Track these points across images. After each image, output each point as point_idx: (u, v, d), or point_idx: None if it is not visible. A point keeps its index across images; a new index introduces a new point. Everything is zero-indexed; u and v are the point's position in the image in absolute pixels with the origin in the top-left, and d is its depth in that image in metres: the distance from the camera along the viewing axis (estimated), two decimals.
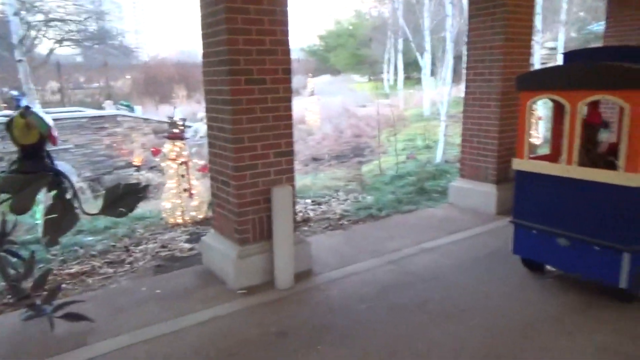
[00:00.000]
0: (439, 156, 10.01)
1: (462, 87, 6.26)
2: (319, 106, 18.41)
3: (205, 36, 3.99)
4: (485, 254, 4.54)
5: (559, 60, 20.71)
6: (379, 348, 3.06)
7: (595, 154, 3.76)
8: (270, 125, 3.96)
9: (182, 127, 6.27)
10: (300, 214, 5.98)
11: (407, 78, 30.02)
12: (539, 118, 12.64)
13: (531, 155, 3.95)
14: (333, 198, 6.94)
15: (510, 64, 5.57)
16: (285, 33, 3.93)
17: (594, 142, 3.83)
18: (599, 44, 14.13)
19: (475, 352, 2.98)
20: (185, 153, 6.17)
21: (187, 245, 5.09)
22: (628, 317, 3.32)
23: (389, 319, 3.42)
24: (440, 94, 15.47)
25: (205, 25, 3.95)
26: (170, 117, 6.31)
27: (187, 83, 26.45)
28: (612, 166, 3.44)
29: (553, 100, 3.82)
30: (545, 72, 4.17)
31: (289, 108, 4.06)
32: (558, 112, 3.97)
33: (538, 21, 15.42)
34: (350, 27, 37.84)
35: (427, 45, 17.79)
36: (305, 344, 3.14)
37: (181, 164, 6.11)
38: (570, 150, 3.53)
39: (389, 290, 3.85)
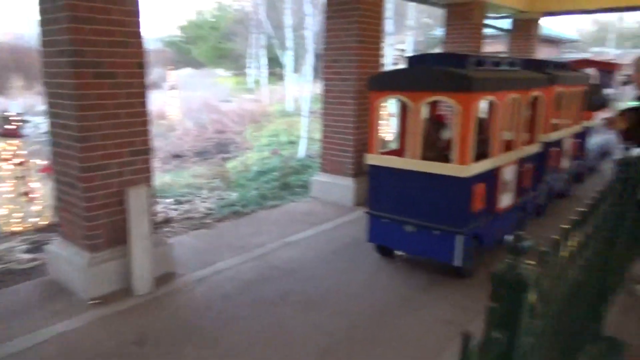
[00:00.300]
0: (302, 151, 10.31)
1: None
2: (181, 100, 17.68)
3: (43, 22, 3.58)
4: (344, 244, 4.82)
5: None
6: (243, 344, 3.08)
7: (436, 149, 4.20)
8: (124, 122, 3.70)
9: (19, 123, 5.55)
10: (161, 215, 5.71)
11: (271, 74, 30.28)
12: (391, 115, 13.73)
13: (382, 150, 4.29)
14: (196, 196, 6.75)
15: (364, 64, 5.95)
16: (137, 24, 3.70)
17: (436, 138, 4.27)
18: (440, 48, 15.78)
19: (335, 337, 3.16)
20: (22, 152, 5.48)
21: (28, 256, 4.54)
22: (461, 292, 3.80)
23: (253, 313, 3.45)
24: (302, 91, 15.89)
25: (43, 11, 3.55)
26: (4, 111, 5.55)
27: (26, 72, 23.37)
28: (448, 160, 3.89)
29: (399, 100, 4.19)
30: (391, 74, 4.53)
31: (145, 104, 3.85)
32: (404, 110, 4.35)
33: (389, 25, 16.70)
34: (213, 19, 36.87)
35: (290, 43, 18.13)
36: (167, 349, 3.03)
37: (18, 164, 5.41)
38: (414, 145, 3.91)
39: (252, 286, 3.89)
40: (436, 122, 4.39)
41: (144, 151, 3.88)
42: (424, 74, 3.87)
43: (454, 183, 3.72)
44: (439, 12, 9.37)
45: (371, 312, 3.50)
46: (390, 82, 4.10)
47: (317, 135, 9.19)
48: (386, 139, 9.49)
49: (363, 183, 6.12)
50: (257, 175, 7.92)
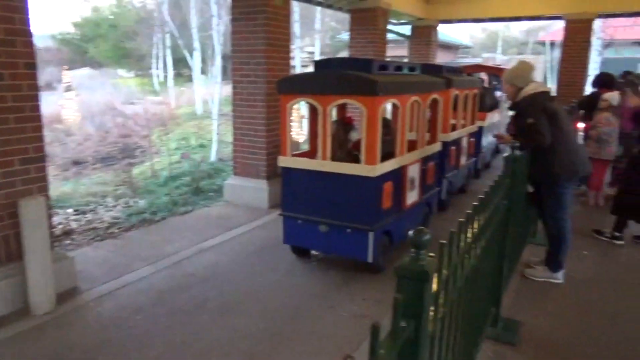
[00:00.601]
0: (213, 155, 10.11)
1: None
2: (79, 103, 16.52)
3: None
4: (260, 247, 4.81)
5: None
6: (157, 357, 2.97)
7: (345, 150, 4.36)
8: (12, 128, 3.40)
9: None
10: (61, 227, 5.31)
11: (178, 75, 29.24)
12: (302, 117, 13.91)
13: (294, 152, 4.34)
14: (100, 205, 6.36)
15: (273, 67, 5.98)
16: (25, 21, 3.42)
17: (345, 139, 4.43)
18: (346, 52, 16.24)
19: (256, 339, 3.15)
20: None
21: None
22: (373, 287, 3.96)
23: (168, 324, 3.34)
24: (211, 93, 15.57)
25: None
26: None
27: None
28: (357, 160, 4.03)
29: (308, 103, 4.27)
30: (300, 77, 4.57)
31: (36, 107, 3.56)
32: (313, 113, 4.41)
33: (297, 28, 16.90)
34: (112, 17, 34.78)
35: (196, 44, 17.66)
36: None
37: None
38: (324, 147, 4.00)
39: (167, 296, 3.76)
40: (345, 124, 4.54)
41: (38, 158, 3.60)
42: (332, 78, 3.96)
43: (364, 182, 3.86)
44: (345, 17, 9.66)
45: (289, 311, 3.54)
46: (300, 86, 4.15)
47: (229, 138, 9.07)
48: (300, 140, 9.59)
49: (277, 185, 6.16)
50: (167, 180, 7.64)
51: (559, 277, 3.98)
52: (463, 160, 6.55)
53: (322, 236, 4.10)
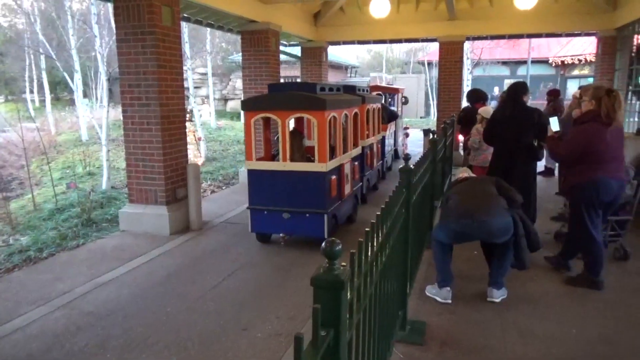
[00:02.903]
0: (104, 183, 9.49)
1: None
2: None
3: None
4: (165, 276, 4.62)
5: (211, 85, 22.69)
6: None
7: (300, 153, 5.44)
8: None
9: None
10: None
11: (56, 99, 27.06)
12: (199, 139, 13.61)
13: (256, 158, 5.29)
14: None
15: (166, 89, 5.82)
16: None
17: (299, 145, 5.51)
18: (239, 72, 16.25)
19: None
20: None
21: None
22: (284, 304, 3.98)
23: None
24: (98, 117, 14.65)
25: None
26: None
27: None
28: (311, 160, 5.16)
29: (265, 118, 5.17)
30: (261, 98, 5.35)
31: None
32: (266, 126, 5.63)
33: (187, 49, 16.56)
34: None
35: (77, 65, 16.49)
36: None
37: None
38: (284, 152, 4.97)
39: (63, 339, 3.44)
40: (299, 133, 5.75)
41: None
42: (288, 97, 4.98)
43: (317, 177, 4.94)
44: (236, 38, 9.71)
45: (203, 338, 3.43)
46: (261, 104, 5.05)
47: (121, 164, 8.59)
48: (198, 162, 9.37)
49: (177, 210, 5.97)
50: (53, 213, 7.03)
51: (441, 297, 3.91)
52: (375, 162, 7.81)
53: (286, 222, 5.09)
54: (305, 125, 6.58)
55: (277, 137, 5.03)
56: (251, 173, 5.15)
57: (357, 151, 6.27)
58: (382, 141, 8.76)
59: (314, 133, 4.88)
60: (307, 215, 4.98)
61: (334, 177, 5.15)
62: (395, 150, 11.04)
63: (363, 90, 7.36)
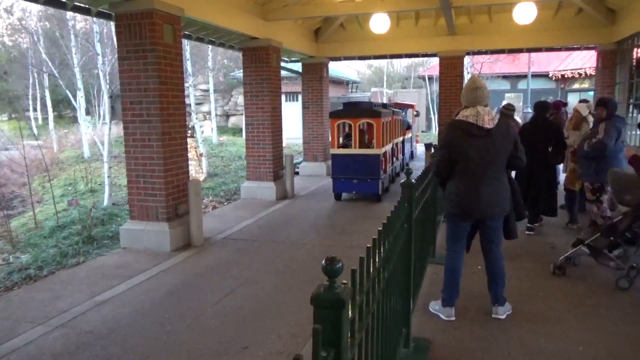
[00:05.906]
0: (106, 199, 9.48)
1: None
2: None
3: None
4: (166, 293, 4.57)
5: (212, 101, 22.77)
6: None
7: (364, 144, 8.54)
8: None
9: None
10: None
11: (59, 117, 27.24)
12: (201, 155, 13.63)
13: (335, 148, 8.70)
14: None
15: (167, 105, 5.83)
16: None
17: (363, 138, 8.58)
18: (241, 88, 16.35)
19: None
20: None
21: None
22: (286, 323, 3.93)
23: None
24: (100, 134, 14.71)
25: None
26: None
27: None
28: (371, 147, 8.52)
29: (343, 122, 8.86)
30: (342, 110, 8.91)
31: None
32: (339, 128, 8.85)
33: (189, 66, 16.70)
34: None
35: (79, 83, 16.63)
36: None
37: None
38: (355, 142, 8.35)
39: (61, 359, 3.39)
40: (363, 131, 8.73)
41: None
42: (357, 110, 8.55)
43: (375, 157, 8.28)
44: (238, 55, 9.78)
45: (202, 356, 3.37)
46: (341, 114, 8.64)
47: (123, 181, 8.59)
48: (199, 178, 9.37)
49: (178, 227, 5.93)
50: (54, 231, 7.01)
51: (445, 314, 3.85)
52: (399, 155, 11.32)
53: (355, 185, 8.34)
54: (365, 127, 9.33)
55: (346, 134, 8.69)
56: (334, 156, 8.47)
57: (391, 145, 9.47)
58: (403, 141, 12.13)
59: (374, 131, 8.35)
60: (369, 180, 8.22)
61: (384, 158, 8.58)
62: (411, 152, 14.99)
63: (391, 107, 10.94)
